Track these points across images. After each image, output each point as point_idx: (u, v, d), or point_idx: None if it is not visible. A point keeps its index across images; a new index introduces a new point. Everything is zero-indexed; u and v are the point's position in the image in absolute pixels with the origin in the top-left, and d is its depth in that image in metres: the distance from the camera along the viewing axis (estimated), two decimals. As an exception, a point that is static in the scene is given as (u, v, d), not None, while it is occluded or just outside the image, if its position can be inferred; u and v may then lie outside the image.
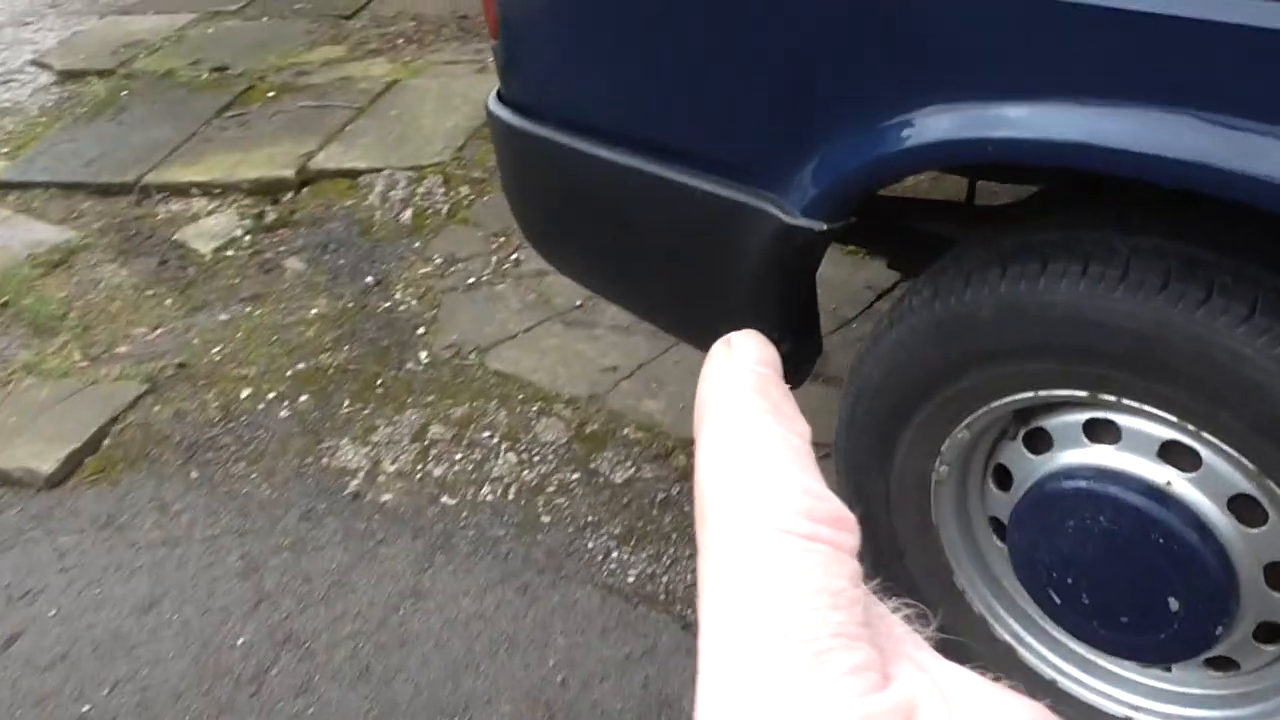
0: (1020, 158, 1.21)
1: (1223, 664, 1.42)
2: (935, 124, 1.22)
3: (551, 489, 2.21)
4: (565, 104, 1.59)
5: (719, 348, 0.26)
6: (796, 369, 1.61)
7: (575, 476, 2.23)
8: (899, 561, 1.64)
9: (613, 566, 2.03)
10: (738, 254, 1.45)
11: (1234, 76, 1.07)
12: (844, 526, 0.22)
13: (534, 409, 2.41)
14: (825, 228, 1.34)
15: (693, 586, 1.98)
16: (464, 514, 2.18)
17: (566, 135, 1.57)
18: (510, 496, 2.21)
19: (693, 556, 2.01)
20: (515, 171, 1.76)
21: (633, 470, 2.24)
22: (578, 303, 2.69)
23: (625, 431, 2.33)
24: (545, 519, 2.15)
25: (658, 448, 2.28)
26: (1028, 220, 1.42)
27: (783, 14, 1.31)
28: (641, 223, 1.59)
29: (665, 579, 2.01)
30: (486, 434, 2.36)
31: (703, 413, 0.24)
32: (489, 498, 2.21)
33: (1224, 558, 1.32)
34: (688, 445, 2.28)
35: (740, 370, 0.25)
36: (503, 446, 2.32)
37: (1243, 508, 1.30)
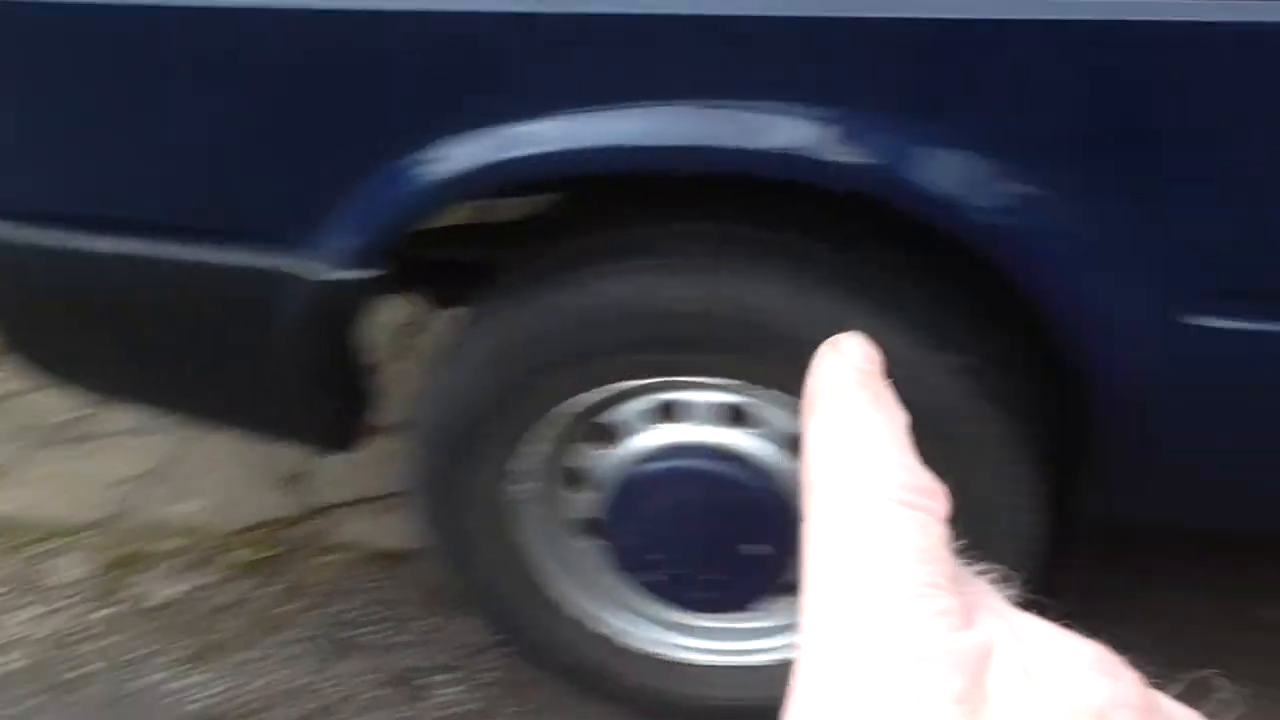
0: (550, 171, 1.23)
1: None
2: (460, 153, 1.22)
3: (87, 633, 1.92)
4: (45, 196, 1.39)
5: (826, 348, 0.30)
6: (350, 431, 1.54)
7: (112, 611, 1.95)
8: (489, 591, 1.62)
9: (175, 697, 1.80)
10: (275, 322, 1.35)
11: (715, 64, 1.15)
12: (936, 497, 0.26)
13: (46, 549, 2.08)
14: (365, 277, 1.29)
15: (268, 685, 1.80)
16: (-12, 694, 1.82)
17: (53, 232, 1.37)
18: (36, 657, 1.88)
19: (263, 659, 1.87)
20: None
21: (178, 585, 2.00)
22: (72, 416, 2.35)
23: (161, 545, 2.08)
24: (86, 669, 1.86)
25: (201, 552, 2.06)
26: (557, 231, 1.45)
27: (275, 65, 1.23)
28: (159, 312, 1.42)
29: (252, 685, 1.81)
30: (-9, 593, 1.99)
31: (811, 403, 0.28)
32: (9, 667, 1.86)
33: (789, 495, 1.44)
34: (236, 539, 2.08)
35: (847, 366, 0.29)
36: (15, 602, 1.97)
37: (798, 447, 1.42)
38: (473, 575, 1.62)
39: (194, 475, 2.22)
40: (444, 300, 1.85)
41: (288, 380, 1.44)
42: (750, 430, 1.42)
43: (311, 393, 1.45)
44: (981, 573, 0.26)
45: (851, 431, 0.27)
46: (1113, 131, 1.11)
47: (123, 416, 2.37)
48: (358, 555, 2.05)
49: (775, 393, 1.36)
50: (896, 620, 0.23)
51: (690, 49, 1.15)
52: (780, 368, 1.30)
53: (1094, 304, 1.18)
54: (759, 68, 1.14)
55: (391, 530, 2.07)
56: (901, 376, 1.09)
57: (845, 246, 1.30)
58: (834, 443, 0.27)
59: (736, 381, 1.36)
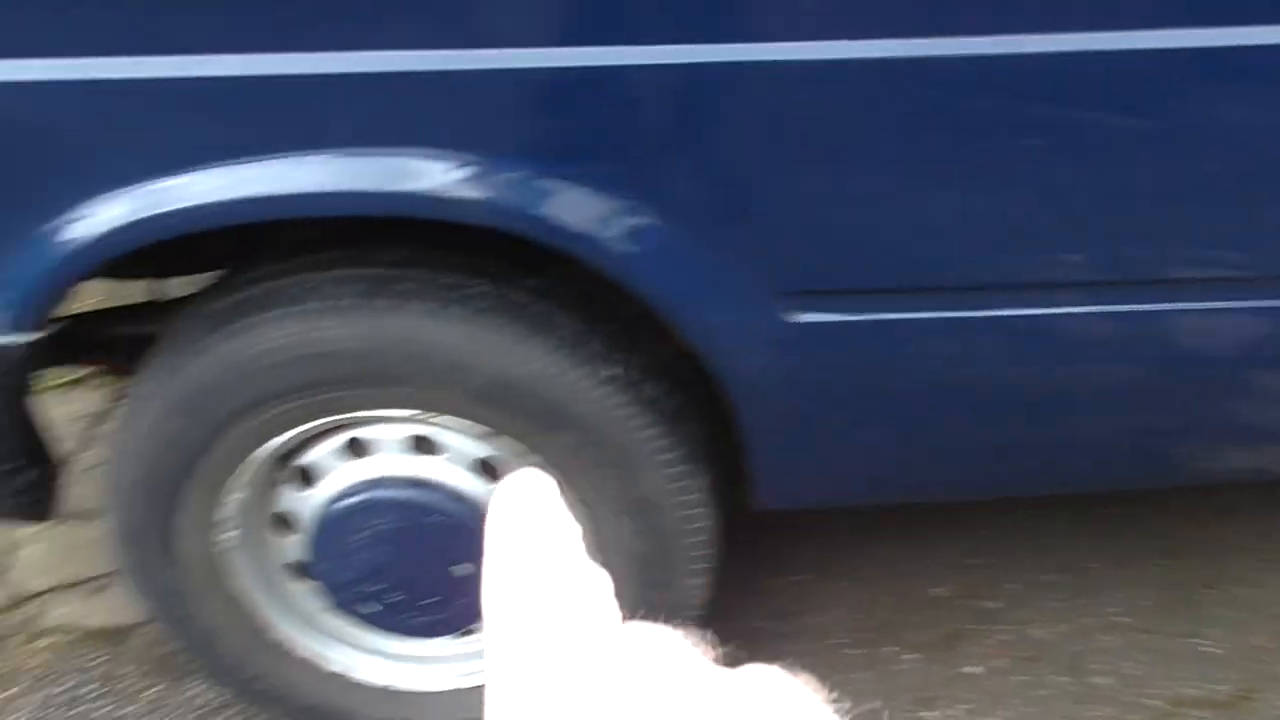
0: (195, 223, 1.29)
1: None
2: (104, 213, 1.26)
3: None
4: None
5: (504, 482, 0.32)
6: (43, 498, 1.54)
7: None
8: (213, 646, 1.65)
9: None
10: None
11: (357, 116, 1.25)
12: (601, 581, 0.29)
13: None
14: (33, 339, 1.31)
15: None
16: None
17: None
18: None
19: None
20: None
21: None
22: None
23: None
24: None
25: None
26: (220, 288, 1.50)
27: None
28: None
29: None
30: None
31: (494, 530, 0.31)
32: None
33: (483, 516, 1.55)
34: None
35: (523, 495, 0.31)
36: None
37: (485, 469, 1.54)
38: (193, 633, 1.64)
39: None
40: (120, 372, 1.85)
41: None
42: (435, 456, 1.52)
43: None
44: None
45: (529, 545, 0.30)
46: (706, 159, 1.28)
47: None
48: (73, 637, 2.01)
49: (449, 418, 1.47)
50: (570, 639, 0.27)
51: (332, 103, 1.24)
52: (448, 394, 1.41)
53: (712, 314, 1.36)
54: (402, 117, 1.25)
55: (104, 609, 2.05)
56: (556, 393, 1.26)
57: (498, 279, 1.42)
58: (514, 558, 0.29)
59: (412, 411, 1.46)
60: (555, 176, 1.27)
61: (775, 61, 1.22)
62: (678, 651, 0.26)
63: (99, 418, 2.48)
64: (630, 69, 1.23)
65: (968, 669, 1.83)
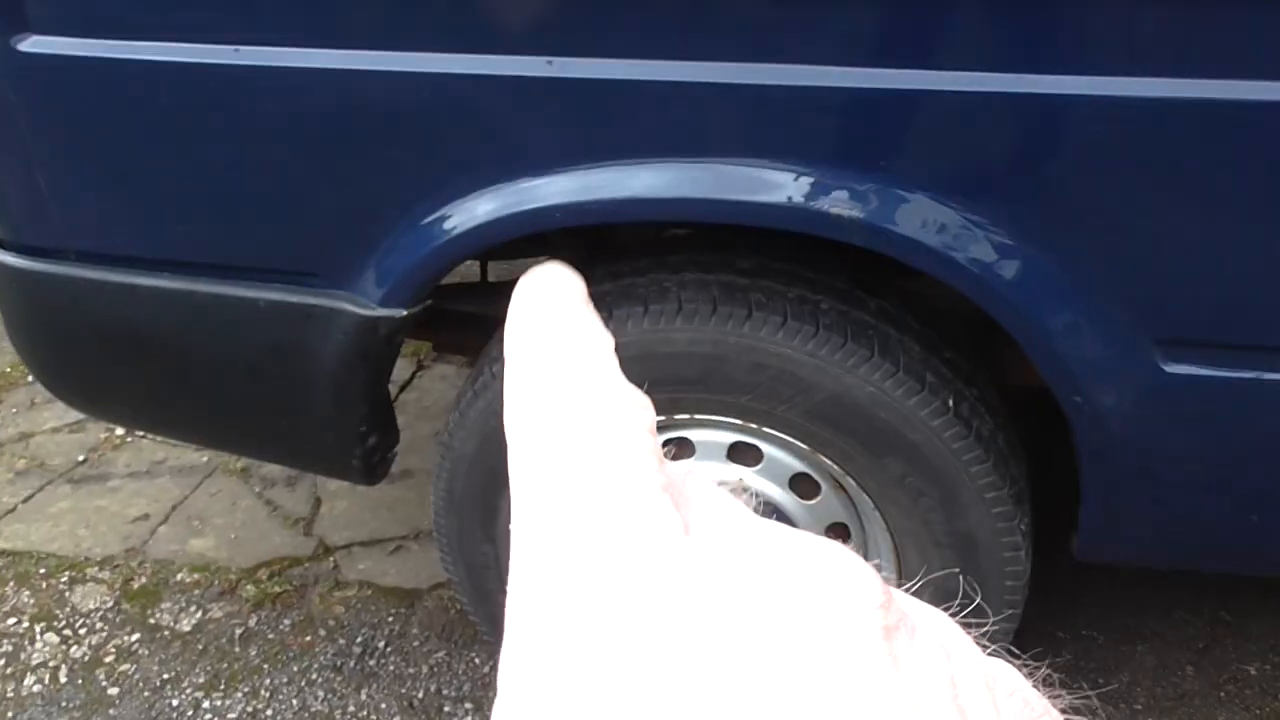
0: (561, 221, 1.33)
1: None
2: (481, 206, 1.32)
3: (110, 657, 1.99)
4: (91, 236, 1.47)
5: (526, 277, 0.28)
6: (381, 462, 1.63)
7: (135, 637, 2.02)
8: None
9: (207, 717, 1.87)
10: (316, 355, 1.44)
11: (711, 128, 1.27)
12: (639, 406, 0.25)
13: (63, 580, 2.15)
14: (405, 313, 1.38)
15: (285, 710, 1.88)
16: (9, 715, 1.88)
17: (96, 270, 1.46)
18: (62, 679, 1.94)
19: (280, 686, 1.96)
20: (30, 320, 1.59)
21: (199, 614, 2.07)
22: (80, 458, 2.44)
23: (178, 577, 2.15)
24: (113, 690, 1.93)
25: (220, 584, 2.14)
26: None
27: (318, 121, 1.34)
28: (201, 346, 1.51)
29: (268, 711, 1.88)
30: (12, 621, 2.05)
31: (515, 330, 0.26)
32: (36, 687, 1.93)
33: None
34: (251, 574, 2.16)
35: (549, 296, 0.27)
36: (37, 629, 2.04)
37: (800, 484, 1.53)
38: (493, 606, 1.70)
39: (204, 515, 2.30)
40: (445, 347, 1.93)
41: (325, 410, 1.52)
42: (752, 467, 1.52)
43: (347, 424, 1.54)
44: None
45: (555, 355, 0.25)
46: (1088, 191, 1.22)
47: (133, 458, 2.46)
48: (369, 592, 2.13)
49: (774, 431, 1.46)
50: (606, 469, 0.23)
51: (695, 111, 1.25)
52: (782, 407, 1.41)
53: (1079, 352, 1.30)
54: (764, 129, 1.25)
55: (399, 569, 2.17)
56: (891, 418, 1.23)
57: (845, 297, 1.41)
58: (537, 367, 0.25)
59: (736, 421, 1.46)
60: (917, 193, 1.24)
61: (1177, 100, 1.15)
62: (727, 506, 0.23)
63: (404, 386, 2.63)
64: (1019, 96, 1.19)
65: (1286, 760, 1.70)
